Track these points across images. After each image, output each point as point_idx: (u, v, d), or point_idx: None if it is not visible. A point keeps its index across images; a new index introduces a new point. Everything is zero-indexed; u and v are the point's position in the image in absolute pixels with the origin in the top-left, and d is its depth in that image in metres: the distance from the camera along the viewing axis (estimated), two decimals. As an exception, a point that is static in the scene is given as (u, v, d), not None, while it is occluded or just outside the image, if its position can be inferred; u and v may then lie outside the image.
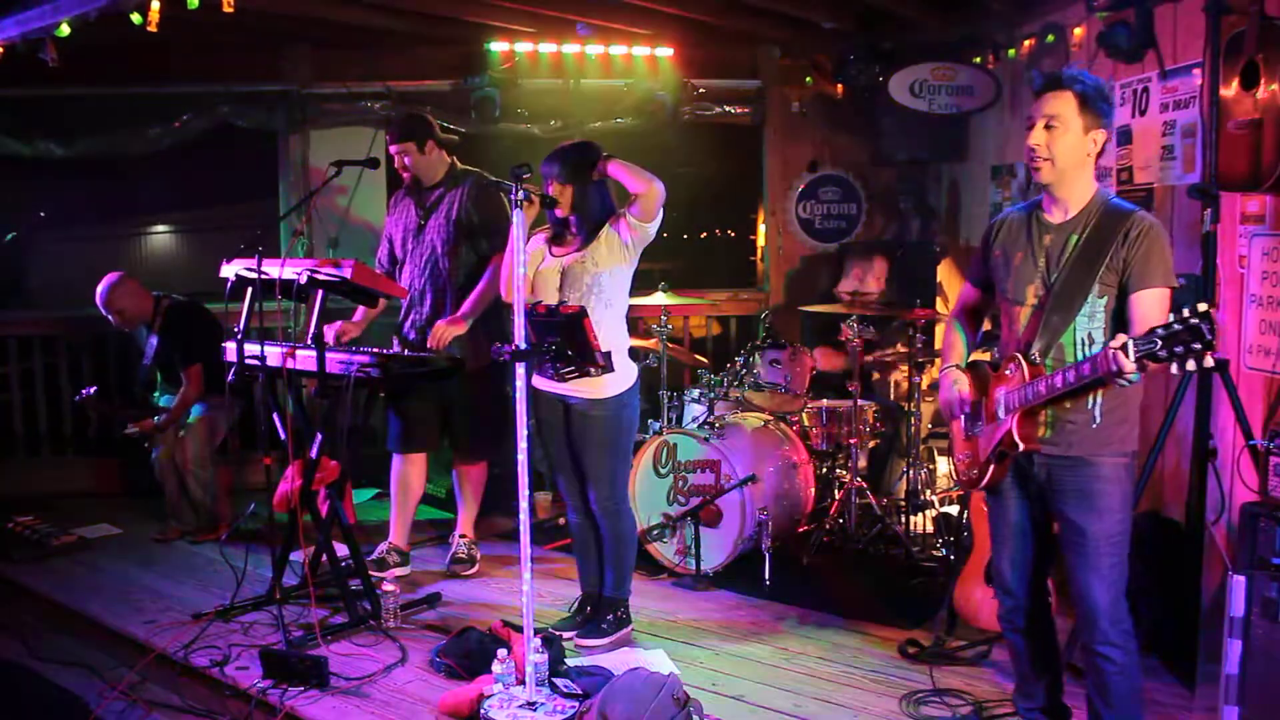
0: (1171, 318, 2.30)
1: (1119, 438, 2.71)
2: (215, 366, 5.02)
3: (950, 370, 2.95)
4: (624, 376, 3.69)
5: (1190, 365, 2.28)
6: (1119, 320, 2.67)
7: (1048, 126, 2.67)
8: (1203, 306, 2.27)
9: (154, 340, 5.10)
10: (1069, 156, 2.68)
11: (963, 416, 2.92)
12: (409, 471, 4.62)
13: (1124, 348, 2.35)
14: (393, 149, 4.45)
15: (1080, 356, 2.68)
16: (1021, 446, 2.70)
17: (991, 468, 2.80)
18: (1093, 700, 2.81)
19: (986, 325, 3.10)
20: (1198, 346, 2.26)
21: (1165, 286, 2.62)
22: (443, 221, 4.44)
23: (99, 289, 5.02)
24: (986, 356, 2.99)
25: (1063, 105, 2.66)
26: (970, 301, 3.06)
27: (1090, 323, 2.68)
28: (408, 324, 4.55)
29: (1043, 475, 2.78)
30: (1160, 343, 2.30)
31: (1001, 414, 2.75)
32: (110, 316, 5.06)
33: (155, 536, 5.18)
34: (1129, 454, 2.73)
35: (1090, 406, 2.68)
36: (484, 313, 4.51)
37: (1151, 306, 2.60)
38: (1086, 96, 2.65)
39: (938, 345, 5.54)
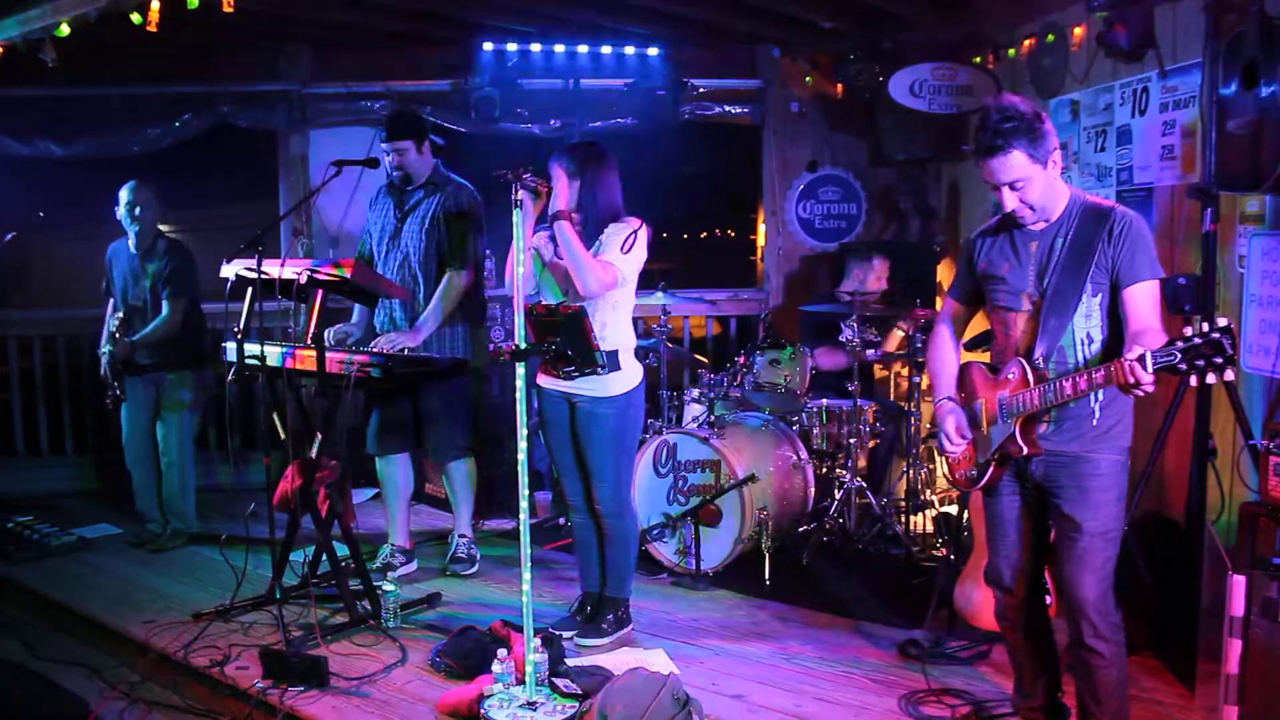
0: (1190, 331, 2.31)
1: (1116, 434, 2.75)
2: (197, 324, 5.00)
3: (944, 403, 2.95)
4: (629, 376, 3.69)
5: (1211, 378, 2.30)
6: (1113, 316, 2.70)
7: (1014, 188, 2.69)
8: (1223, 320, 2.29)
9: (149, 266, 4.97)
10: (1045, 194, 2.72)
11: (958, 417, 2.92)
12: (391, 472, 4.62)
13: (1141, 360, 2.35)
14: (387, 145, 4.41)
15: (1081, 356, 2.71)
16: (1025, 450, 2.72)
17: (991, 469, 2.83)
18: (1082, 696, 2.83)
19: (983, 325, 3.12)
20: (1219, 360, 2.28)
21: (1153, 278, 2.66)
22: (417, 227, 4.41)
23: (126, 185, 4.93)
24: (985, 357, 3.00)
25: (1017, 166, 2.65)
26: (956, 315, 3.11)
27: (1088, 322, 2.71)
28: (379, 327, 4.53)
29: (1039, 472, 2.80)
30: (1180, 355, 2.31)
31: (1004, 418, 2.77)
32: (135, 211, 4.91)
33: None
34: (1124, 450, 2.77)
35: (1091, 405, 2.71)
36: (482, 314, 4.52)
37: (1143, 300, 2.64)
38: (1030, 142, 2.64)
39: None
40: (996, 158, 2.64)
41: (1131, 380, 2.38)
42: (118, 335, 4.95)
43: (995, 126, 2.64)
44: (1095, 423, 2.72)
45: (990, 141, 2.64)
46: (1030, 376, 2.70)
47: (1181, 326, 2.37)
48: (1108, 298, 2.69)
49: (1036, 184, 2.68)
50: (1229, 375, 2.29)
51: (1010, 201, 2.71)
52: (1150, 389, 2.39)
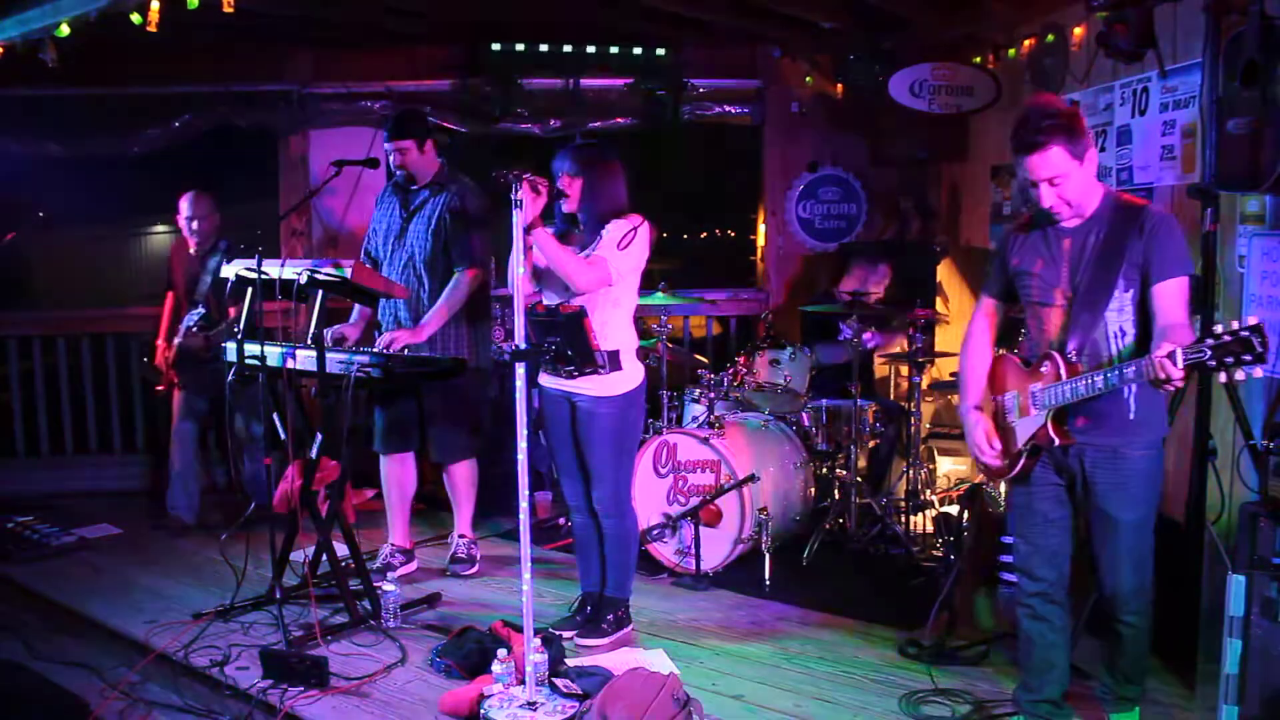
0: (1220, 329, 2.35)
1: (1151, 426, 2.82)
2: None
3: (971, 413, 3.01)
4: (630, 375, 3.69)
5: (1240, 375, 2.35)
6: (1145, 311, 2.75)
7: (1052, 184, 2.73)
8: (1253, 319, 2.33)
9: (209, 263, 5.11)
10: (1081, 191, 2.77)
11: (986, 425, 2.98)
12: (396, 471, 4.62)
13: (1171, 356, 2.40)
14: (388, 145, 4.40)
15: (1113, 350, 2.77)
16: (1056, 441, 2.80)
17: (1023, 460, 2.90)
18: (1109, 652, 3.01)
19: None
20: (1248, 358, 2.32)
21: (1183, 275, 2.71)
22: (423, 228, 4.41)
23: (185, 197, 5.18)
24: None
25: (1056, 162, 2.70)
26: (990, 314, 3.14)
27: (1120, 316, 2.77)
28: (384, 326, 4.54)
29: (1078, 465, 2.87)
30: (1210, 352, 2.36)
31: (1035, 410, 2.83)
32: (193, 224, 5.19)
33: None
34: (1159, 442, 2.84)
35: (1126, 398, 2.78)
36: (485, 314, 4.51)
37: (1172, 297, 2.69)
38: (1069, 139, 2.69)
39: (938, 346, 5.54)
40: (1036, 154, 2.70)
41: (1162, 376, 2.44)
42: (194, 328, 5.08)
43: (1036, 124, 2.69)
44: (1131, 416, 2.79)
45: (1031, 138, 2.69)
46: (1063, 370, 2.76)
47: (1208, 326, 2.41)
48: (1139, 292, 2.75)
49: (1074, 181, 2.73)
50: (1257, 372, 2.33)
51: (1048, 198, 2.76)
52: (1180, 384, 2.45)
